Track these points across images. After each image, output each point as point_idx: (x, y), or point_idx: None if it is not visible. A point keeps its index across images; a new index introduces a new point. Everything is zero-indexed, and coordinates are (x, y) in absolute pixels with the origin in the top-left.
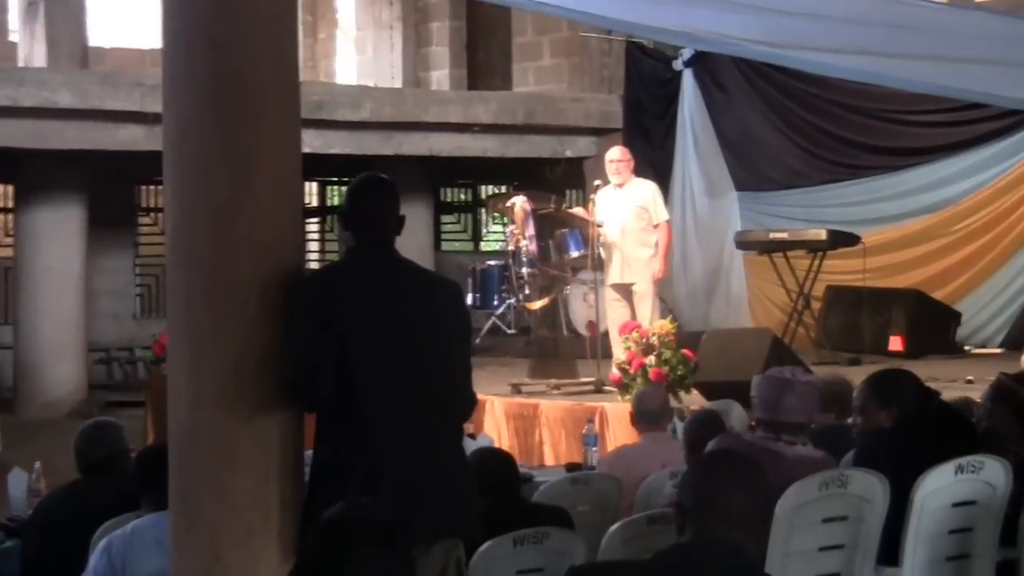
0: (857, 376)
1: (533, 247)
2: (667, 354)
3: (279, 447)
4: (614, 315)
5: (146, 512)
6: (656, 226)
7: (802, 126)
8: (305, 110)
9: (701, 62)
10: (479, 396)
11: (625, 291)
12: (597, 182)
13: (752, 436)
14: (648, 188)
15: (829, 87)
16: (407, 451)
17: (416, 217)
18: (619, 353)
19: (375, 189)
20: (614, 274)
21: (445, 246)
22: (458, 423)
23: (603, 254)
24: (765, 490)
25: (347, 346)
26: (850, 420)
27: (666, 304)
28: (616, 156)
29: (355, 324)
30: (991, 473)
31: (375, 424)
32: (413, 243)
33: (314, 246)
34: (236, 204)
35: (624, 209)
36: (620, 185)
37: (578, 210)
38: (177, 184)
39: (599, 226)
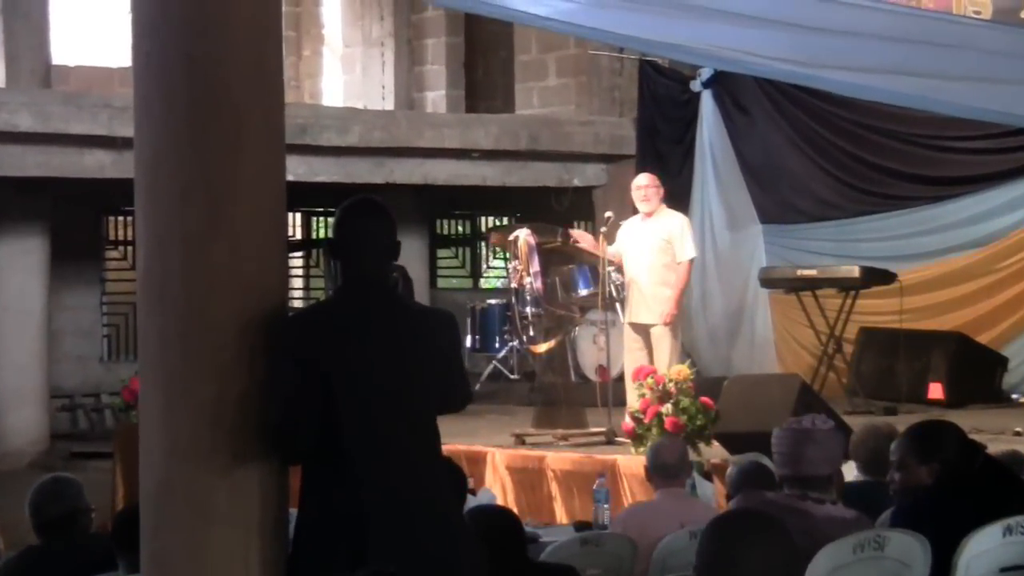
0: (895, 427)
1: (538, 284)
2: (685, 402)
3: (260, 502)
4: (631, 358)
5: (123, 575)
6: (679, 264)
7: (833, 153)
8: (288, 134)
9: (721, 82)
10: (479, 447)
11: (644, 332)
12: (608, 214)
13: (776, 494)
14: (676, 221)
15: (863, 110)
16: (399, 505)
17: (410, 251)
18: (633, 401)
19: (367, 213)
20: (633, 313)
21: (441, 283)
22: (445, 465)
23: (618, 292)
24: (787, 552)
25: (333, 393)
26: (887, 477)
27: (684, 347)
28: (644, 182)
29: (342, 369)
30: None
31: (364, 476)
32: None
33: (298, 282)
34: (214, 236)
35: (649, 242)
36: (648, 215)
37: (584, 236)
38: (149, 214)
39: (612, 263)
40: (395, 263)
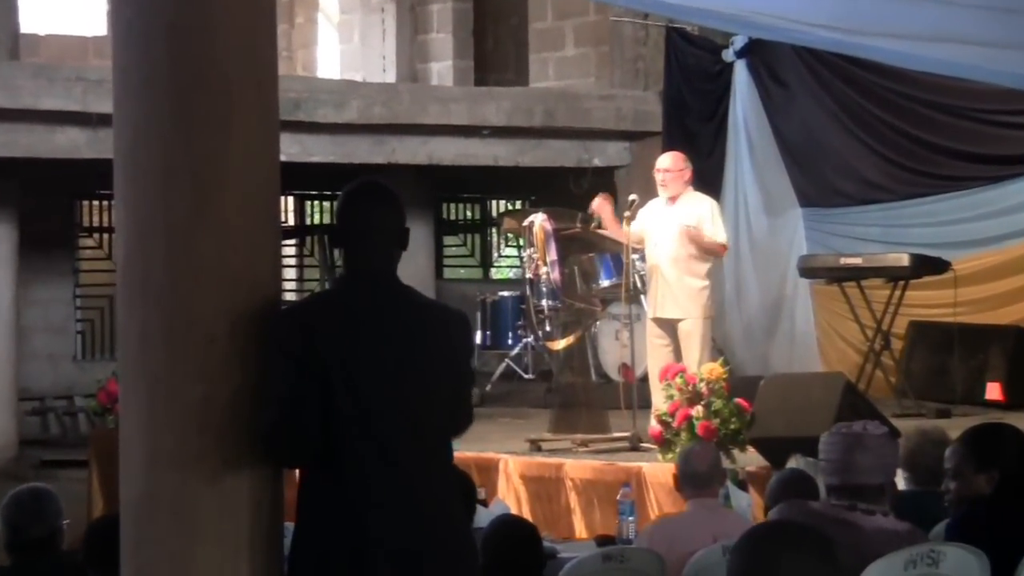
0: (948, 431)
1: (555, 275)
2: (718, 404)
3: (252, 514)
4: (655, 357)
5: None
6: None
7: (880, 129)
8: (280, 110)
9: (756, 52)
10: (490, 454)
11: (670, 328)
12: (633, 196)
13: (822, 504)
14: (705, 205)
15: (913, 82)
16: (404, 518)
17: (414, 239)
18: (660, 403)
19: (375, 198)
20: (657, 307)
21: (448, 273)
22: (454, 479)
23: (643, 282)
24: (831, 568)
25: (335, 393)
26: (941, 487)
27: (717, 344)
28: (666, 164)
29: (346, 367)
30: None
31: (367, 487)
32: (411, 270)
33: (291, 273)
34: (201, 223)
35: (673, 228)
36: (672, 199)
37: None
38: (129, 199)
39: (637, 250)
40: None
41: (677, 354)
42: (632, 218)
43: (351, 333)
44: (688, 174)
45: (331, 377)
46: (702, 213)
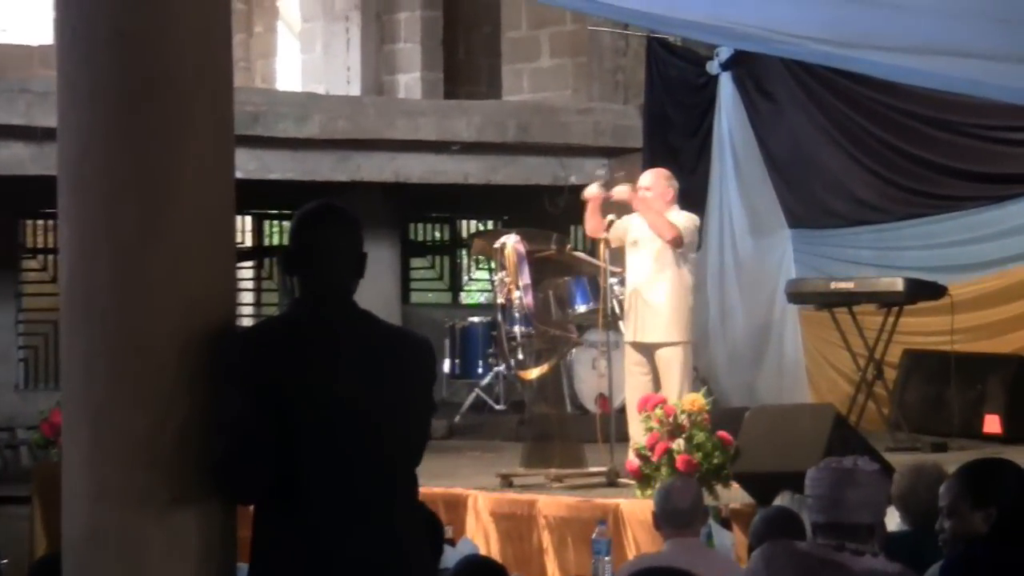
0: (944, 466)
1: (528, 299)
2: (699, 437)
3: (202, 554)
4: (633, 385)
5: None
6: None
7: (873, 146)
8: (237, 124)
9: (743, 64)
10: (458, 490)
11: (648, 354)
12: (611, 217)
13: (808, 544)
14: (680, 220)
15: (909, 96)
16: (365, 556)
17: (378, 261)
18: (638, 435)
19: (328, 220)
20: (635, 331)
21: (415, 297)
22: (419, 513)
23: (621, 308)
24: None
25: (293, 423)
26: (936, 525)
27: (699, 372)
28: (647, 183)
29: (305, 396)
30: None
31: (326, 525)
32: (375, 293)
33: (248, 296)
34: (150, 243)
35: (652, 249)
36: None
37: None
38: (74, 217)
39: (615, 273)
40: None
41: (656, 383)
42: (607, 243)
43: (308, 359)
44: (672, 193)
45: (286, 405)
46: (679, 224)
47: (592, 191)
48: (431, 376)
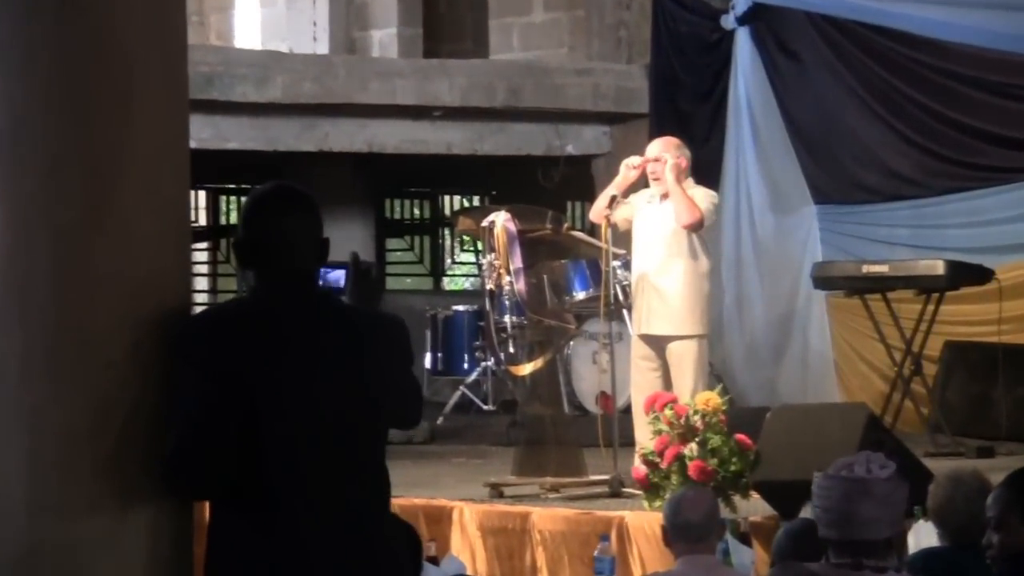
0: (990, 474)
1: (520, 285)
2: (715, 440)
3: (154, 568)
4: (641, 383)
5: None
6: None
7: (910, 110)
8: (191, 88)
9: (762, 17)
10: (443, 501)
11: (658, 348)
12: (612, 192)
13: (822, 566)
14: (698, 190)
15: (950, 55)
16: (334, 561)
17: (349, 242)
18: (645, 439)
19: (284, 206)
20: (643, 323)
21: (392, 283)
22: (394, 519)
23: (625, 294)
24: None
25: (257, 415)
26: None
27: (714, 368)
28: (655, 152)
29: (266, 385)
30: None
31: (290, 522)
32: None
33: (203, 282)
34: (95, 224)
35: (663, 229)
36: (664, 195)
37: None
38: (9, 197)
39: (617, 255)
40: (353, 251)
41: (667, 380)
42: (608, 222)
43: (273, 346)
44: (684, 163)
45: (256, 392)
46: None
47: (634, 161)
48: (406, 358)
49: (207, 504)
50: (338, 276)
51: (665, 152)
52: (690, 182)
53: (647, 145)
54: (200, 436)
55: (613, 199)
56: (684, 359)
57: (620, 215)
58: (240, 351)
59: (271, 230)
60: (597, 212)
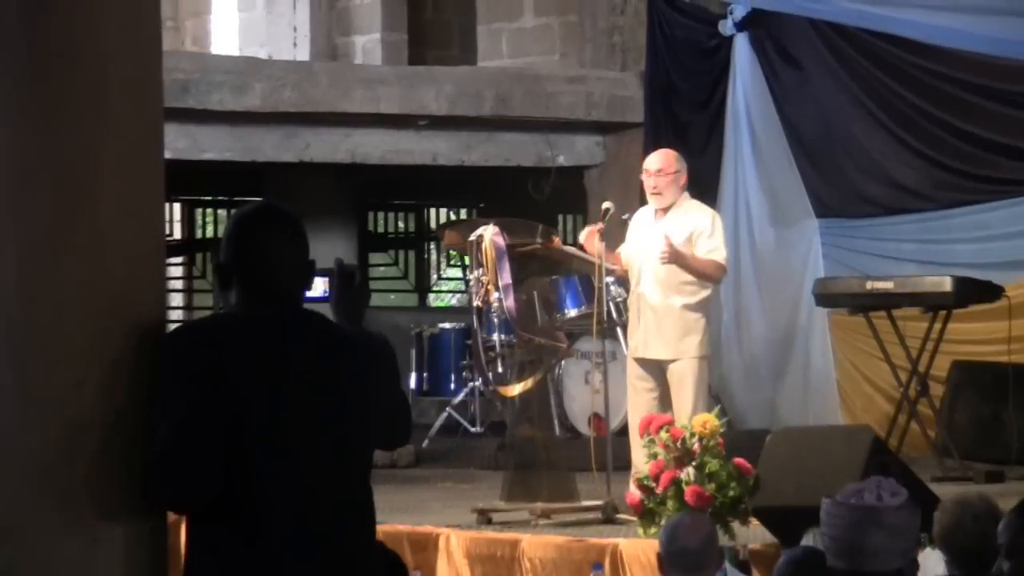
0: (1000, 499)
1: (509, 302)
2: (712, 464)
3: None
4: (637, 405)
5: None
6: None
7: (917, 120)
8: (166, 95)
9: (762, 23)
10: (429, 528)
11: (656, 370)
12: (607, 205)
13: None
14: (704, 215)
15: (958, 62)
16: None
17: (331, 256)
18: (642, 462)
19: (271, 226)
20: (640, 345)
21: (376, 299)
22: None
23: (619, 311)
24: None
25: (246, 427)
26: (993, 568)
27: (712, 388)
28: (657, 165)
29: (253, 397)
30: None
31: (273, 537)
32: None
33: (178, 298)
34: (65, 237)
35: (662, 247)
36: (663, 211)
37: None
38: None
39: (612, 271)
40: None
41: (665, 402)
42: (610, 232)
43: (259, 358)
44: (683, 178)
45: (234, 405)
46: (699, 225)
47: (583, 235)
48: (393, 375)
49: (183, 528)
50: (321, 283)
51: (668, 163)
52: (686, 196)
53: (641, 155)
54: (188, 442)
55: (607, 211)
56: (684, 381)
57: (624, 258)
58: (227, 362)
59: (257, 251)
60: (608, 260)
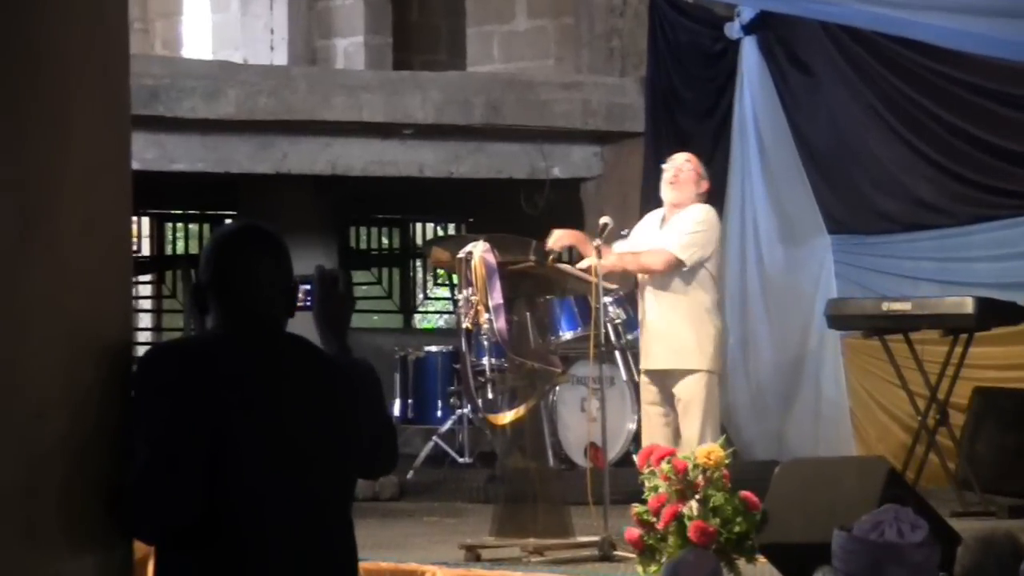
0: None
1: (500, 324)
2: (717, 498)
3: None
4: (652, 431)
5: None
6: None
7: (936, 130)
8: (134, 102)
9: (770, 26)
10: (413, 565)
11: (664, 388)
12: (605, 219)
13: None
14: (693, 210)
15: (980, 69)
16: None
17: (309, 274)
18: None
19: (254, 248)
20: (650, 355)
21: (357, 320)
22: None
23: (617, 334)
24: None
25: (223, 451)
26: None
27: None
28: (683, 157)
29: (232, 421)
30: None
31: (249, 565)
32: (305, 314)
33: (147, 319)
34: (26, 256)
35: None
36: (675, 206)
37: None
38: None
39: (609, 290)
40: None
41: (675, 420)
42: (601, 248)
43: (240, 381)
44: (705, 185)
45: (233, 428)
46: (685, 219)
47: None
48: (377, 400)
49: (150, 564)
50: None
51: (691, 166)
52: (695, 201)
53: (640, 167)
54: (169, 464)
55: (605, 227)
56: (693, 403)
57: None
58: (208, 384)
59: (239, 273)
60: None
